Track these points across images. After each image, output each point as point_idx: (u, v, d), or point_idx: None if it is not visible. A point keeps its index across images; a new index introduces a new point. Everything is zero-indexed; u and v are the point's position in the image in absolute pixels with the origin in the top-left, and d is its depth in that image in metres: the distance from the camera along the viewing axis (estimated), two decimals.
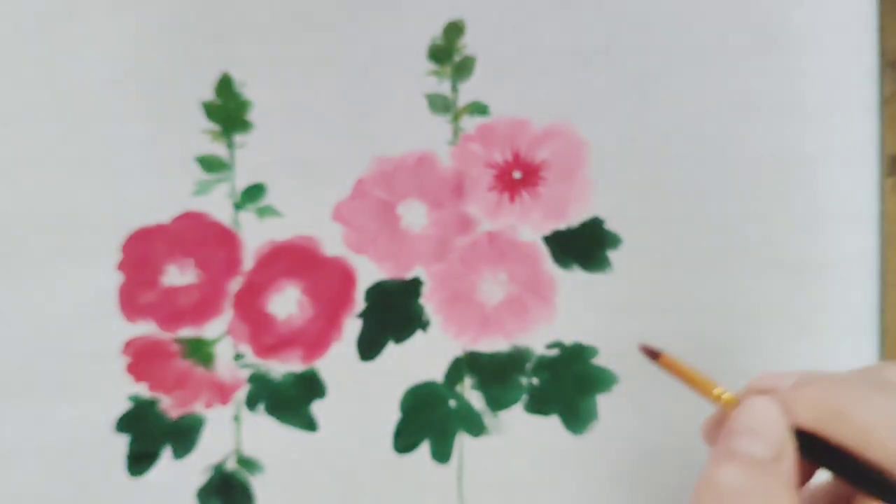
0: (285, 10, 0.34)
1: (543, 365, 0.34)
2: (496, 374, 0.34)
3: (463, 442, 0.34)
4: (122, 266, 0.34)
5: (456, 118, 0.34)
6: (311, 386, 0.34)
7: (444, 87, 0.34)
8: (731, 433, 0.23)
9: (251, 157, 0.34)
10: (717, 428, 0.25)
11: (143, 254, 0.34)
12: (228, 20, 0.34)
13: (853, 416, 0.21)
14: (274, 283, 0.34)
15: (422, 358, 0.34)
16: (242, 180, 0.34)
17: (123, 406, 0.34)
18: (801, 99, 0.34)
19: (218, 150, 0.34)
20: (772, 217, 0.34)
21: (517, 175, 0.34)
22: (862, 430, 0.21)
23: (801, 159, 0.34)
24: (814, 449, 0.22)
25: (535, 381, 0.34)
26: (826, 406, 0.22)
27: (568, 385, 0.34)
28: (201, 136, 0.34)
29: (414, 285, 0.34)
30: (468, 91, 0.34)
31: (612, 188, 0.34)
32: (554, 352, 0.34)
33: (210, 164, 0.34)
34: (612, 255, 0.34)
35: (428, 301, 0.34)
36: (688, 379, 0.26)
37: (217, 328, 0.34)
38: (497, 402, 0.34)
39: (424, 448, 0.34)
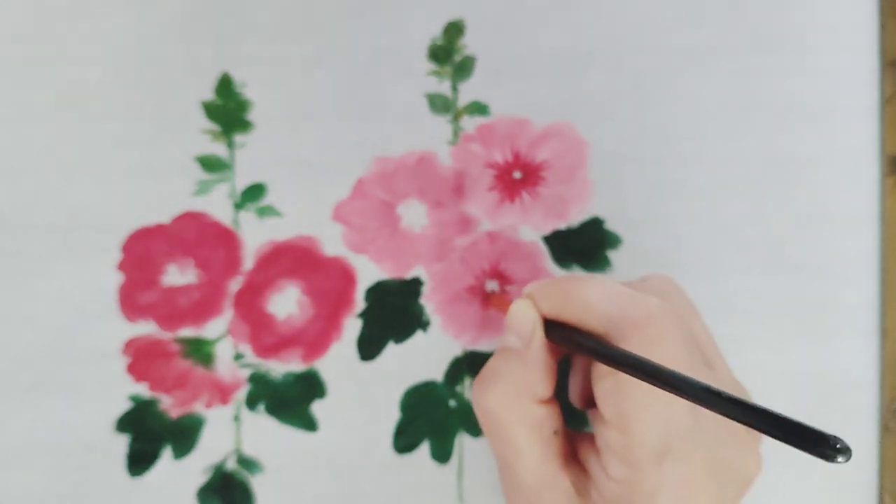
0: (285, 10, 0.34)
1: None
2: None
3: (463, 442, 0.34)
4: (122, 266, 0.34)
5: (456, 118, 0.34)
6: (311, 386, 0.34)
7: (444, 87, 0.34)
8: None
9: (251, 157, 0.34)
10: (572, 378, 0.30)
11: (143, 254, 0.34)
12: (228, 20, 0.34)
13: (575, 296, 0.25)
14: (274, 283, 0.34)
15: (422, 358, 0.34)
16: (242, 180, 0.34)
17: (123, 406, 0.34)
18: (801, 99, 0.34)
19: (218, 150, 0.34)
20: (772, 217, 0.34)
21: (517, 175, 0.34)
22: (582, 305, 0.25)
23: (801, 159, 0.34)
24: (556, 333, 0.26)
25: None
26: (557, 293, 0.26)
27: (568, 385, 0.34)
28: (201, 136, 0.34)
29: (414, 285, 0.34)
30: (468, 91, 0.34)
31: (612, 188, 0.34)
32: None
33: (210, 164, 0.34)
34: (612, 255, 0.34)
35: (428, 301, 0.34)
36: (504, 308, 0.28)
37: (217, 328, 0.34)
38: None
39: (424, 448, 0.34)
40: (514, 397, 0.26)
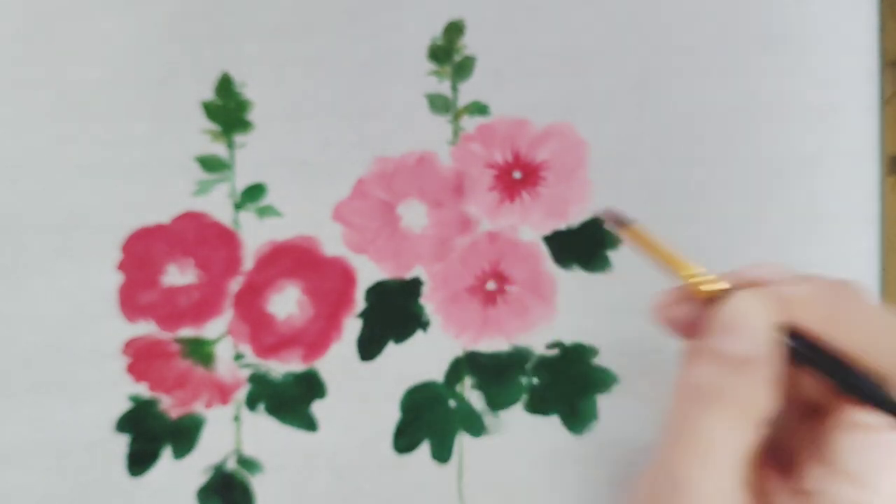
0: (285, 10, 0.34)
1: (543, 365, 0.34)
2: (496, 373, 0.34)
3: (463, 442, 0.34)
4: (122, 266, 0.34)
5: (456, 118, 0.34)
6: (311, 386, 0.34)
7: (444, 87, 0.34)
8: (713, 329, 0.22)
9: (251, 157, 0.34)
10: (680, 305, 0.24)
11: (143, 254, 0.34)
12: (228, 20, 0.34)
13: (861, 319, 0.21)
14: (274, 283, 0.34)
15: (422, 358, 0.34)
16: (242, 180, 0.34)
17: (123, 406, 0.34)
18: (801, 99, 0.34)
19: (218, 150, 0.34)
20: (772, 217, 0.34)
21: (517, 175, 0.34)
22: (867, 332, 0.20)
23: (801, 159, 0.34)
24: (804, 349, 0.21)
25: (535, 381, 0.34)
26: (830, 308, 0.21)
27: (568, 385, 0.34)
28: (201, 136, 0.34)
29: (414, 285, 0.34)
30: (468, 91, 0.34)
31: (612, 188, 0.34)
32: (554, 352, 0.34)
33: (210, 164, 0.34)
34: (612, 255, 0.34)
35: (428, 301, 0.34)
36: (659, 255, 0.24)
37: (217, 328, 0.34)
38: (497, 402, 0.34)
39: (424, 448, 0.34)
40: (740, 422, 0.21)
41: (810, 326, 0.21)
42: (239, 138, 0.34)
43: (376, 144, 0.34)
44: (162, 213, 0.34)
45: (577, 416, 0.34)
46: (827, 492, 0.21)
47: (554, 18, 0.34)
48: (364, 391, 0.34)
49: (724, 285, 0.22)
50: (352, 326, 0.34)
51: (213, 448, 0.34)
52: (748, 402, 0.21)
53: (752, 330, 0.21)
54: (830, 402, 0.21)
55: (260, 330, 0.34)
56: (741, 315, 0.21)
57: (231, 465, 0.34)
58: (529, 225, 0.34)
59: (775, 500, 0.22)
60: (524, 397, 0.34)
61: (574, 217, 0.34)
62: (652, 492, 0.22)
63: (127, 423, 0.34)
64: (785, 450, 0.23)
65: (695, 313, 0.23)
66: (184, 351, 0.34)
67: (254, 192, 0.34)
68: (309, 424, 0.34)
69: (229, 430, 0.34)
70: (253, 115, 0.34)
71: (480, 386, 0.34)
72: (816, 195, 0.34)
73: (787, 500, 0.22)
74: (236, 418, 0.34)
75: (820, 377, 0.21)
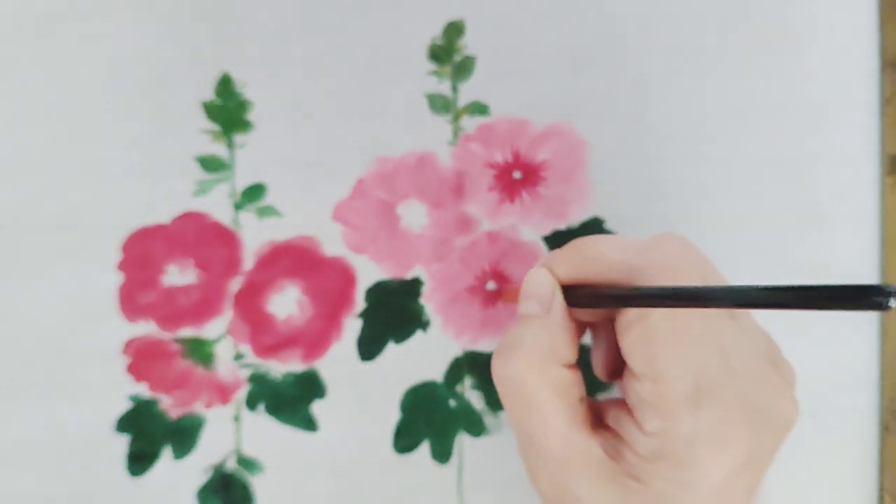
0: (285, 10, 0.34)
1: None
2: None
3: (463, 442, 0.34)
4: (122, 266, 0.34)
5: (456, 118, 0.34)
6: (311, 386, 0.34)
7: (444, 87, 0.34)
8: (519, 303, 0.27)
9: (251, 157, 0.34)
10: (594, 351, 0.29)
11: (143, 254, 0.34)
12: (228, 20, 0.34)
13: (590, 253, 0.25)
14: (274, 283, 0.34)
15: (422, 358, 0.34)
16: (242, 180, 0.34)
17: (123, 406, 0.34)
18: (801, 99, 0.34)
19: (218, 150, 0.34)
20: (772, 217, 0.34)
21: (517, 175, 0.34)
22: (599, 260, 0.25)
23: (801, 159, 0.34)
24: (577, 296, 0.26)
25: None
26: (571, 256, 0.26)
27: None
28: (201, 136, 0.34)
29: (414, 285, 0.34)
30: (468, 91, 0.34)
31: (612, 188, 0.34)
32: None
33: (210, 164, 0.34)
34: None
35: (428, 301, 0.34)
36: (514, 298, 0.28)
37: (217, 328, 0.34)
38: (497, 402, 0.34)
39: (424, 448, 0.34)
40: (540, 362, 0.25)
41: (570, 276, 0.26)
42: (239, 138, 0.34)
43: (376, 144, 0.34)
44: (162, 213, 0.34)
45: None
46: (635, 394, 0.24)
47: (554, 18, 0.34)
48: (364, 391, 0.34)
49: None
50: (352, 326, 0.34)
51: (213, 448, 0.34)
52: (545, 345, 0.25)
53: (539, 290, 0.26)
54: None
55: (260, 330, 0.34)
56: (530, 283, 0.26)
57: (231, 465, 0.34)
58: (529, 225, 0.34)
59: (618, 426, 0.25)
60: None
61: (574, 217, 0.34)
62: (524, 459, 0.27)
63: (127, 423, 0.34)
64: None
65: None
66: (184, 351, 0.34)
67: (254, 192, 0.34)
68: (309, 424, 0.34)
69: (229, 430, 0.34)
70: (253, 115, 0.34)
71: (480, 386, 0.34)
72: (816, 195, 0.34)
73: (624, 420, 0.25)
74: (236, 418, 0.34)
75: (601, 310, 0.26)
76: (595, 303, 0.25)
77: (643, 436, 0.24)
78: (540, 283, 0.26)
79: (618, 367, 0.27)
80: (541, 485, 0.26)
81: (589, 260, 0.25)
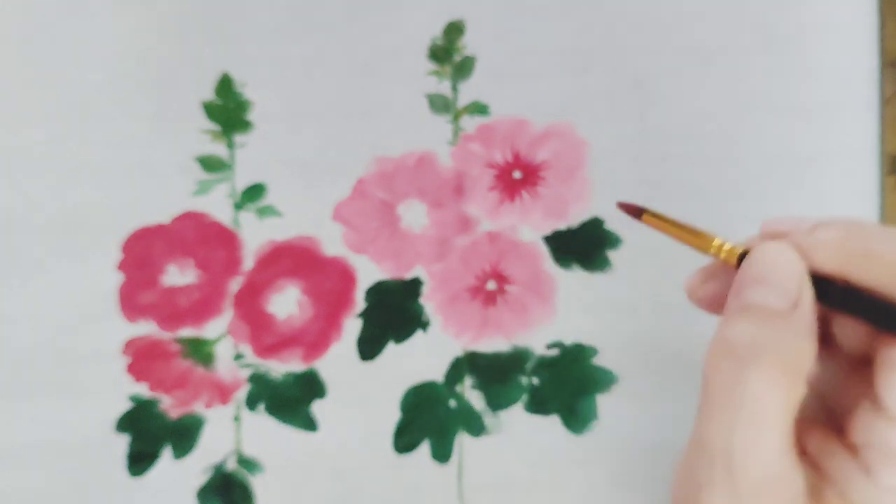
0: (285, 10, 0.34)
1: (543, 365, 0.34)
2: (496, 374, 0.34)
3: (463, 442, 0.34)
4: (122, 266, 0.34)
5: (456, 118, 0.34)
6: (311, 386, 0.34)
7: (444, 87, 0.34)
8: (741, 286, 0.21)
9: (251, 157, 0.34)
10: (707, 283, 0.23)
11: (143, 254, 0.34)
12: (228, 20, 0.34)
13: (883, 254, 0.20)
14: (274, 283, 0.34)
15: (422, 358, 0.34)
16: (242, 180, 0.34)
17: (123, 406, 0.34)
18: (801, 99, 0.34)
19: (218, 150, 0.34)
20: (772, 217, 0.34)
21: (517, 175, 0.34)
22: (881, 259, 0.19)
23: (801, 159, 0.34)
24: (836, 295, 0.20)
25: (535, 381, 0.34)
26: (850, 248, 0.20)
27: (568, 385, 0.34)
28: (201, 136, 0.34)
29: (414, 285, 0.34)
30: (468, 91, 0.34)
31: (612, 188, 0.34)
32: (554, 352, 0.34)
33: (210, 164, 0.34)
34: (612, 255, 0.34)
35: (428, 301, 0.34)
36: (680, 233, 0.23)
37: (217, 328, 0.34)
38: (497, 402, 0.34)
39: (424, 448, 0.34)
40: (785, 375, 0.20)
41: (840, 271, 0.20)
42: (239, 138, 0.34)
43: (376, 144, 0.34)
44: (162, 213, 0.34)
45: (577, 416, 0.34)
46: (880, 439, 0.20)
47: (554, 18, 0.34)
48: (364, 391, 0.34)
49: (749, 246, 0.22)
50: (352, 326, 0.34)
51: (213, 448, 0.34)
52: (790, 355, 0.20)
53: (784, 279, 0.20)
54: (874, 346, 0.20)
55: (260, 330, 0.34)
56: (770, 265, 0.20)
57: (231, 465, 0.34)
58: (529, 225, 0.34)
59: (827, 460, 0.21)
60: (524, 397, 0.34)
61: (574, 217, 0.34)
62: (693, 472, 0.21)
63: (127, 423, 0.34)
64: (833, 408, 0.22)
65: (726, 288, 0.22)
66: (184, 351, 0.34)
67: (254, 192, 0.34)
68: (309, 424, 0.34)
69: (229, 430, 0.34)
70: (253, 115, 0.34)
71: (480, 386, 0.34)
72: (816, 195, 0.34)
73: (841, 458, 0.21)
74: (236, 418, 0.34)
75: (858, 321, 0.21)
76: (861, 317, 0.20)
77: (868, 485, 0.20)
78: (787, 270, 0.20)
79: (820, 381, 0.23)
80: (708, 502, 0.21)
81: (877, 260, 0.20)
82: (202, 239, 0.34)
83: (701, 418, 0.21)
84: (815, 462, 0.21)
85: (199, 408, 0.34)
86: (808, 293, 0.20)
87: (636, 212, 0.25)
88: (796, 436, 0.21)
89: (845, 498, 0.20)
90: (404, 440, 0.34)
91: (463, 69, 0.34)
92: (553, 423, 0.34)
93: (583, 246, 0.34)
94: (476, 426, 0.34)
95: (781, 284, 0.20)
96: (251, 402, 0.34)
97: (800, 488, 0.20)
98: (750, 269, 0.21)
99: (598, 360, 0.34)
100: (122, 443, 0.34)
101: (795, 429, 0.21)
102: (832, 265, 0.20)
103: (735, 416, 0.20)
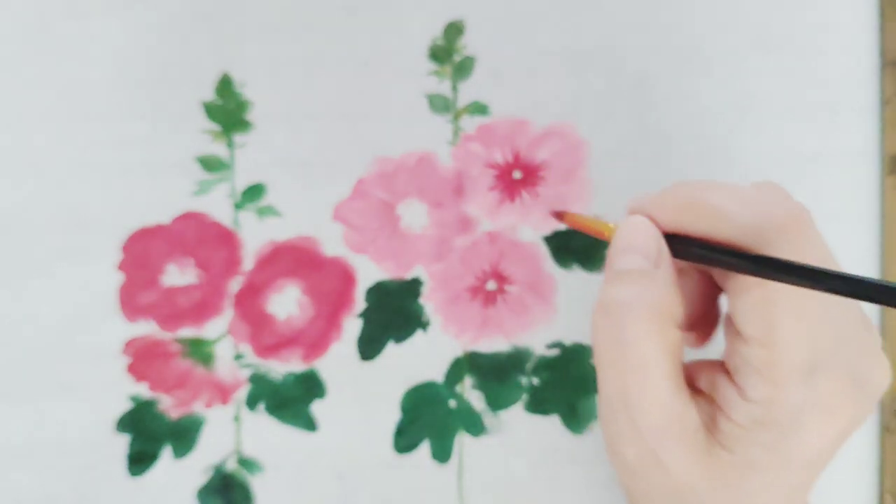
0: (285, 10, 0.34)
1: (543, 365, 0.34)
2: (496, 374, 0.34)
3: (463, 442, 0.34)
4: (122, 266, 0.34)
5: (456, 118, 0.34)
6: (311, 386, 0.34)
7: (444, 87, 0.34)
8: (612, 256, 0.24)
9: (251, 157, 0.34)
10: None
11: (143, 254, 0.34)
12: (228, 20, 0.34)
13: (703, 202, 0.23)
14: (274, 283, 0.34)
15: (422, 358, 0.34)
16: (242, 180, 0.34)
17: (123, 406, 0.34)
18: (802, 99, 0.34)
19: (218, 150, 0.34)
20: None
21: (517, 175, 0.34)
22: (713, 213, 0.23)
23: (801, 159, 0.34)
24: (682, 248, 0.24)
25: (535, 381, 0.34)
26: (679, 203, 0.24)
27: (568, 385, 0.34)
28: (201, 136, 0.34)
29: (414, 285, 0.34)
30: (468, 91, 0.34)
31: (612, 188, 0.34)
32: (554, 352, 0.34)
33: (210, 164, 0.34)
34: None
35: (428, 301, 0.34)
36: (589, 228, 0.27)
37: (217, 328, 0.34)
38: (497, 402, 0.34)
39: (424, 448, 0.34)
40: (659, 324, 0.23)
41: (677, 226, 0.24)
42: (239, 138, 0.34)
43: (376, 144, 0.34)
44: (162, 213, 0.34)
45: (577, 416, 0.34)
46: (742, 358, 0.22)
47: (554, 18, 0.34)
48: (364, 391, 0.34)
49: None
50: (352, 326, 0.34)
51: (213, 448, 0.34)
52: (658, 306, 0.23)
53: (643, 245, 0.24)
54: (724, 284, 0.24)
55: (260, 330, 0.34)
56: (632, 235, 0.24)
57: (231, 465, 0.34)
58: (529, 225, 0.34)
59: (715, 391, 0.24)
60: (524, 397, 0.34)
61: None
62: (607, 427, 0.24)
63: (127, 423, 0.34)
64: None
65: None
66: (184, 351, 0.34)
67: (254, 192, 0.34)
68: (309, 424, 0.34)
69: (229, 430, 0.34)
70: (253, 115, 0.34)
71: (480, 386, 0.34)
72: (816, 195, 0.34)
73: (723, 386, 0.23)
74: (236, 418, 0.34)
75: (704, 266, 0.24)
76: (704, 261, 0.23)
77: (744, 402, 0.22)
78: (645, 235, 0.24)
79: (699, 320, 0.26)
80: (625, 451, 0.24)
81: (701, 212, 0.23)
82: (202, 239, 0.34)
83: (598, 378, 0.24)
84: (707, 396, 0.24)
85: (199, 408, 0.34)
86: (665, 252, 0.24)
87: (558, 215, 0.29)
88: (689, 376, 0.24)
89: (732, 420, 0.23)
90: (404, 440, 0.34)
91: (463, 69, 0.34)
92: (553, 423, 0.34)
93: (583, 246, 0.34)
94: (476, 426, 0.34)
95: (642, 249, 0.24)
96: (251, 402, 0.34)
97: (697, 422, 0.23)
98: (616, 240, 0.24)
99: None
100: (122, 443, 0.34)
101: (687, 370, 0.24)
102: (670, 221, 0.24)
103: (623, 367, 0.23)
